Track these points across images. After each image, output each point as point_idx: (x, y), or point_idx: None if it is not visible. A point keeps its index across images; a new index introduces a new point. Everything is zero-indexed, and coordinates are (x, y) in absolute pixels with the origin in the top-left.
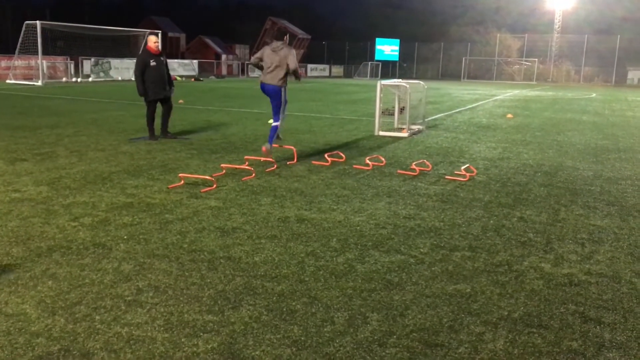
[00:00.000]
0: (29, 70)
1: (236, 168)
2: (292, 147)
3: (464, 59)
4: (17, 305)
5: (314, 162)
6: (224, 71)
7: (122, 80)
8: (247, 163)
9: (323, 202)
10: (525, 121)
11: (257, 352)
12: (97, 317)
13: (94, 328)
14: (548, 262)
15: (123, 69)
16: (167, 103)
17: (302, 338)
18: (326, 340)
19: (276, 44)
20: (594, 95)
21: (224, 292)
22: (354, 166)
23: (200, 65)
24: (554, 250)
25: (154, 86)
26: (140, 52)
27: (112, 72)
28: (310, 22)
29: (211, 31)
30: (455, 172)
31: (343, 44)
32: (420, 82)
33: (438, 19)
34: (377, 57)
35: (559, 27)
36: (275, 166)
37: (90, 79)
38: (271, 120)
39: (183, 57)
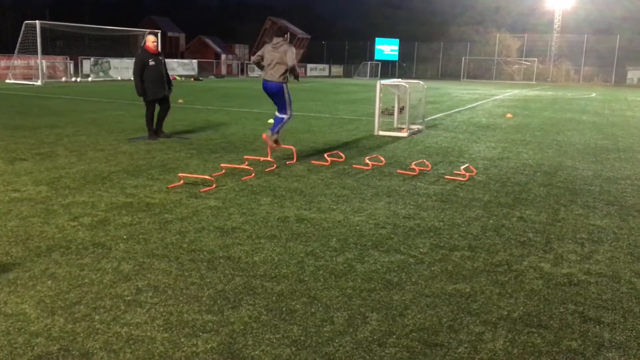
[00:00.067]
0: (29, 70)
1: (236, 168)
2: (292, 147)
3: (463, 58)
4: (17, 305)
5: (313, 161)
6: (224, 71)
7: (122, 80)
8: (246, 163)
9: (322, 201)
10: (524, 121)
11: (256, 352)
12: (97, 317)
13: (93, 328)
14: (547, 262)
15: (122, 69)
16: (165, 103)
17: (302, 338)
18: (326, 340)
19: (276, 40)
20: (593, 95)
21: (223, 291)
22: (354, 166)
23: (199, 65)
24: (553, 250)
25: (153, 86)
26: (138, 51)
27: (111, 72)
28: (310, 22)
29: (211, 31)
30: (455, 171)
31: (343, 44)
32: (420, 81)
33: (438, 18)
34: (376, 56)
35: (558, 27)
36: (275, 166)
37: (89, 79)
38: (271, 120)
39: (183, 57)
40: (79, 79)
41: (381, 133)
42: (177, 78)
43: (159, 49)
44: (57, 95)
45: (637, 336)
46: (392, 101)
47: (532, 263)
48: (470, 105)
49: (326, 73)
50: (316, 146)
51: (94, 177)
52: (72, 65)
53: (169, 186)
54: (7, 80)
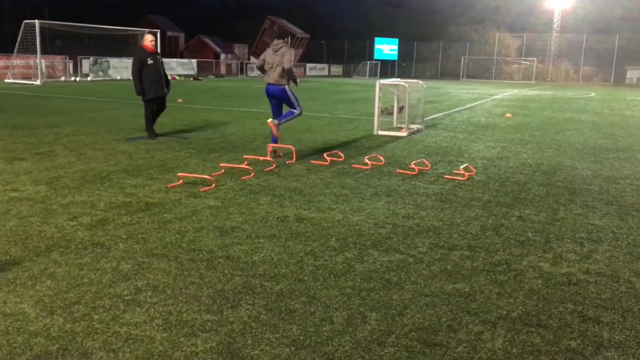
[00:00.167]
0: (28, 70)
1: (235, 167)
2: (291, 147)
3: (462, 58)
4: (16, 305)
5: (313, 161)
6: (223, 70)
7: (121, 80)
8: (246, 162)
9: (322, 201)
10: (524, 120)
11: (255, 352)
12: (96, 317)
13: (92, 327)
14: (547, 262)
15: (122, 68)
16: (162, 103)
17: (301, 337)
18: (325, 340)
19: (276, 42)
20: (592, 94)
21: (222, 291)
22: (353, 165)
23: (199, 64)
24: (552, 250)
25: (152, 84)
26: (136, 50)
27: (110, 71)
28: (310, 22)
29: (210, 30)
30: (454, 171)
31: (342, 43)
32: (419, 81)
33: (437, 18)
34: (376, 56)
35: (557, 27)
36: (274, 165)
37: (89, 78)
38: (271, 120)
39: (182, 57)
40: (78, 79)
41: (380, 133)
42: (177, 78)
43: (157, 48)
44: (56, 94)
45: (636, 335)
46: (392, 101)
47: (532, 262)
48: (469, 105)
49: (325, 72)
50: (315, 146)
51: (93, 176)
52: (71, 65)
53: (168, 186)
54: (6, 80)
